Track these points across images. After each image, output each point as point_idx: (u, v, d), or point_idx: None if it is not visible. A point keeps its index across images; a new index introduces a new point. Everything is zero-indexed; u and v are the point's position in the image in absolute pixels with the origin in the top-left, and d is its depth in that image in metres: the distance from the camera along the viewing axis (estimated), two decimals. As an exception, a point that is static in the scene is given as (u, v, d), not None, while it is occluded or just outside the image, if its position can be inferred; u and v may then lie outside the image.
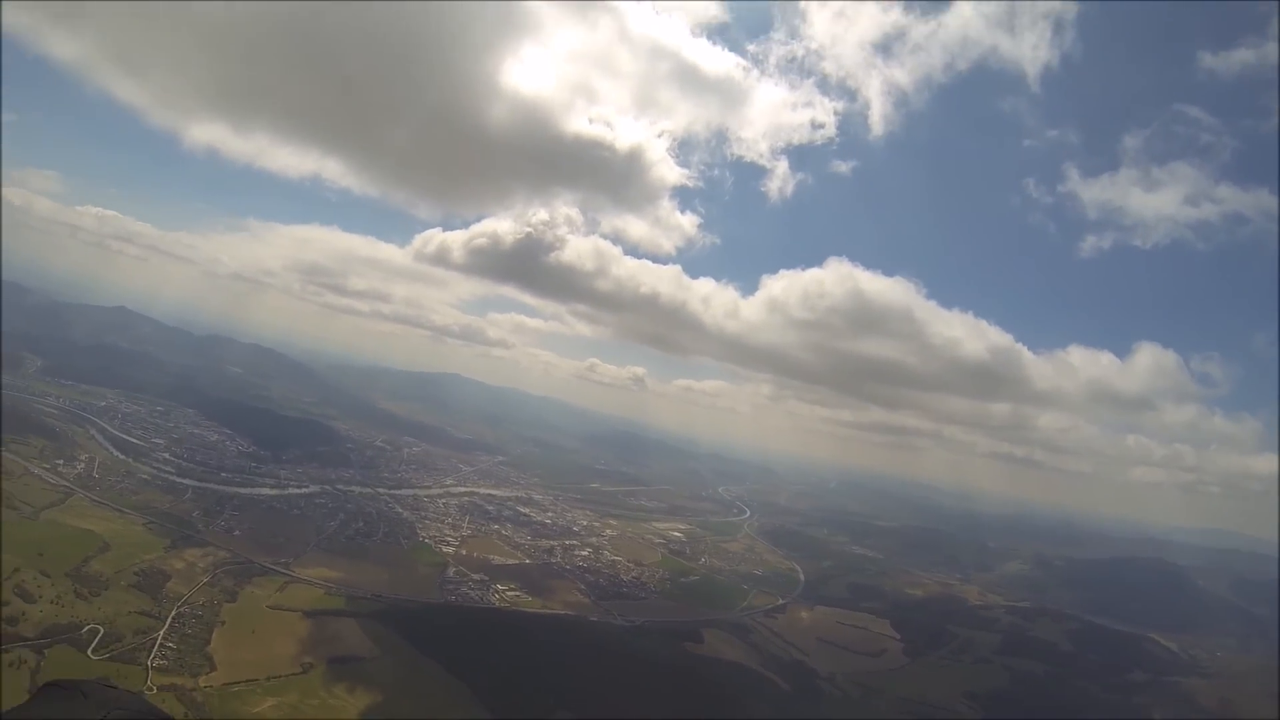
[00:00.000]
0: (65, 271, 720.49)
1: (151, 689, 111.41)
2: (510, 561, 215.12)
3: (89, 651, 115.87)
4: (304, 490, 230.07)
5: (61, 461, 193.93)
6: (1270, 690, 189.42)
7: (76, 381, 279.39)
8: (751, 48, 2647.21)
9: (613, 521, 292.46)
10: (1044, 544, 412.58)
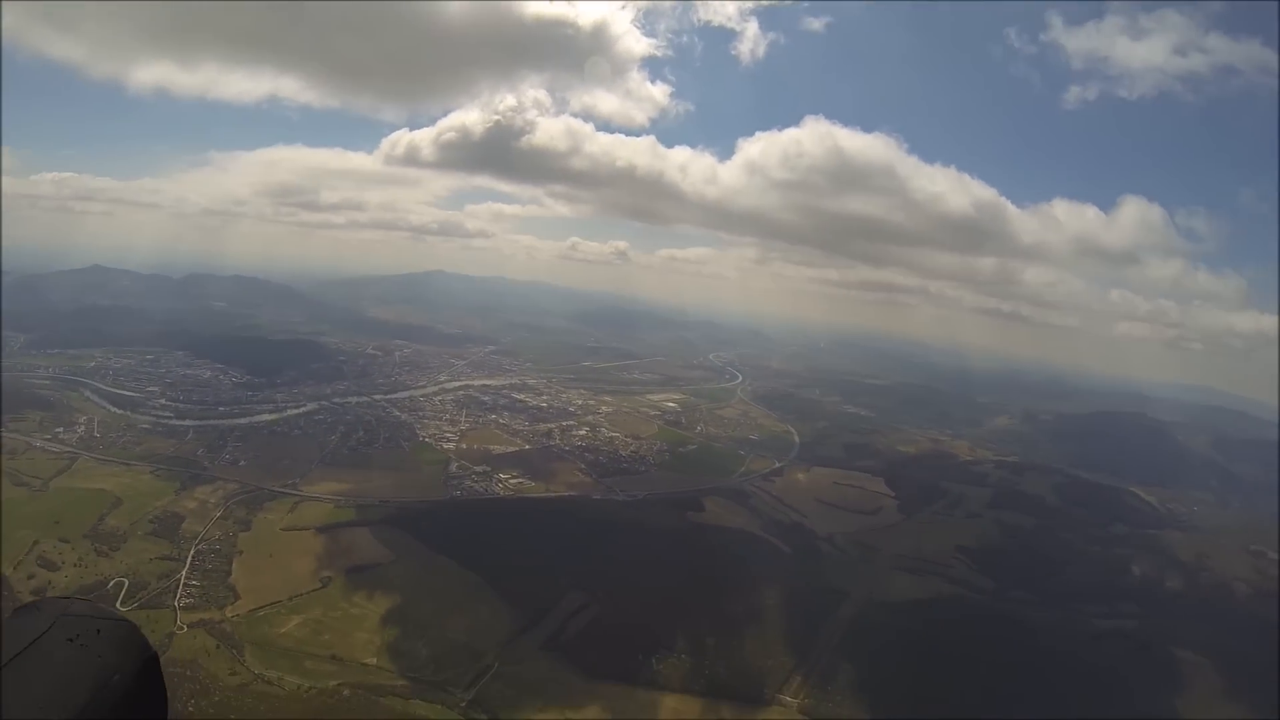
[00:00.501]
0: (33, 243, 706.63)
1: (181, 628, 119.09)
2: (510, 449, 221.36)
3: (117, 604, 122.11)
4: (302, 410, 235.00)
5: (61, 429, 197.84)
6: (1244, 544, 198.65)
7: (63, 348, 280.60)
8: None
9: (608, 398, 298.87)
10: (1031, 399, 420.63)
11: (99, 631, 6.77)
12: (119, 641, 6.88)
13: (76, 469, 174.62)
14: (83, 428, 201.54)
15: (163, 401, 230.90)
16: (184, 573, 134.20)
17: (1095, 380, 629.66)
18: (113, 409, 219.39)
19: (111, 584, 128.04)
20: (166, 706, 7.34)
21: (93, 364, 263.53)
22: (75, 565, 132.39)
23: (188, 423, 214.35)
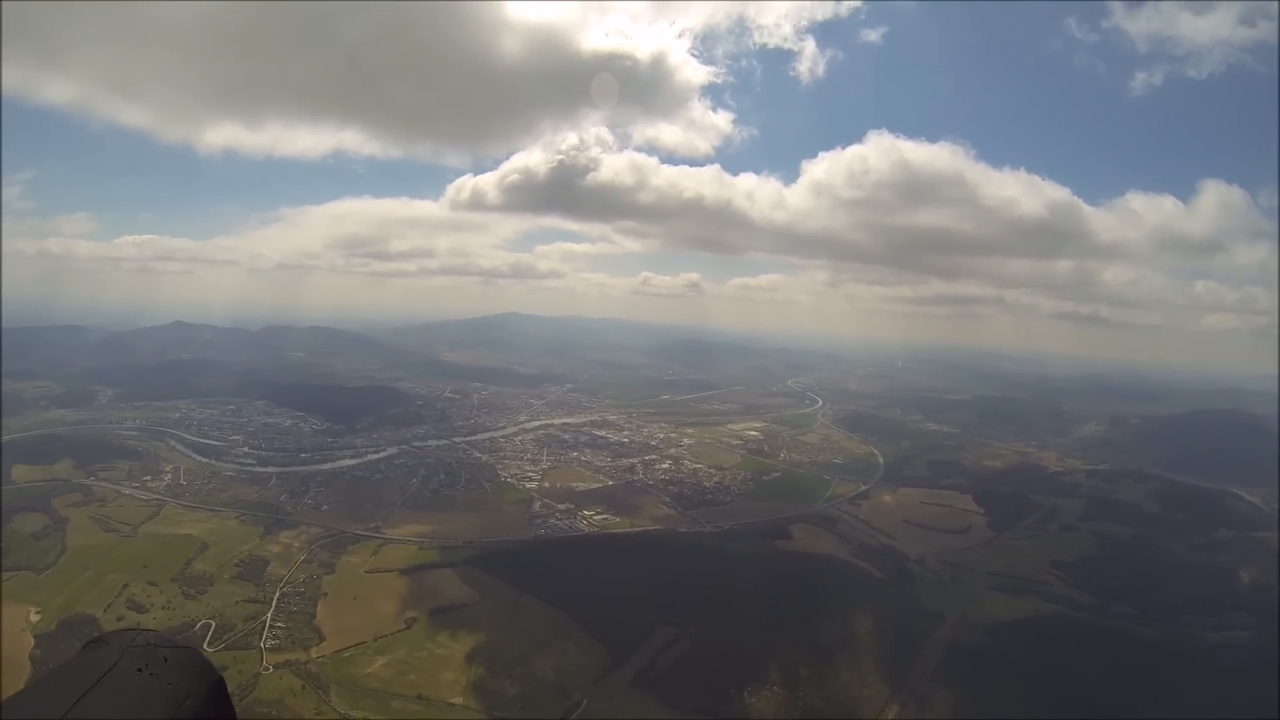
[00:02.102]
0: (117, 303, 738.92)
1: (267, 668, 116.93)
2: (593, 486, 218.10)
3: (205, 645, 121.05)
4: (382, 454, 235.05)
5: (149, 477, 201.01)
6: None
7: (149, 400, 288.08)
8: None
9: (689, 430, 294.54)
10: (1118, 403, 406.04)
11: (165, 660, 6.99)
12: (185, 667, 7.09)
13: (164, 515, 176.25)
14: (169, 476, 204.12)
15: (246, 449, 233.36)
16: (269, 615, 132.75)
17: (1185, 377, 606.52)
18: (198, 458, 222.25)
19: (199, 625, 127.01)
20: None
21: (178, 415, 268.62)
22: (164, 608, 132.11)
23: (270, 469, 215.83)
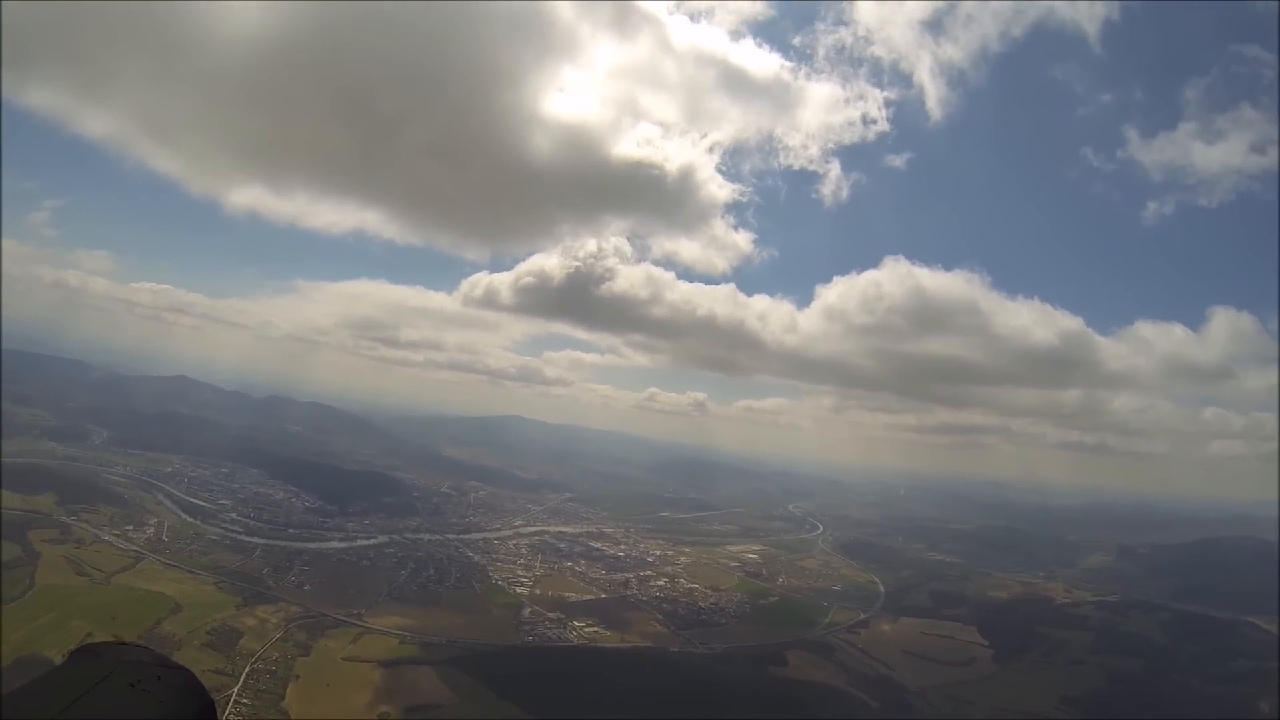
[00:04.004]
0: (125, 346, 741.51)
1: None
2: (586, 597, 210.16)
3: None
4: (372, 541, 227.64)
5: (131, 527, 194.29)
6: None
7: (142, 450, 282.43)
8: (797, 40, 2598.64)
9: (686, 549, 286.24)
10: (1125, 532, 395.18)
11: (159, 678, 6.86)
12: (178, 688, 6.96)
13: (141, 568, 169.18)
14: (152, 529, 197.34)
15: (233, 515, 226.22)
16: (236, 689, 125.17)
17: (1191, 505, 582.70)
18: (184, 515, 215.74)
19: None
20: None
21: (169, 469, 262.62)
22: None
23: (256, 540, 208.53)
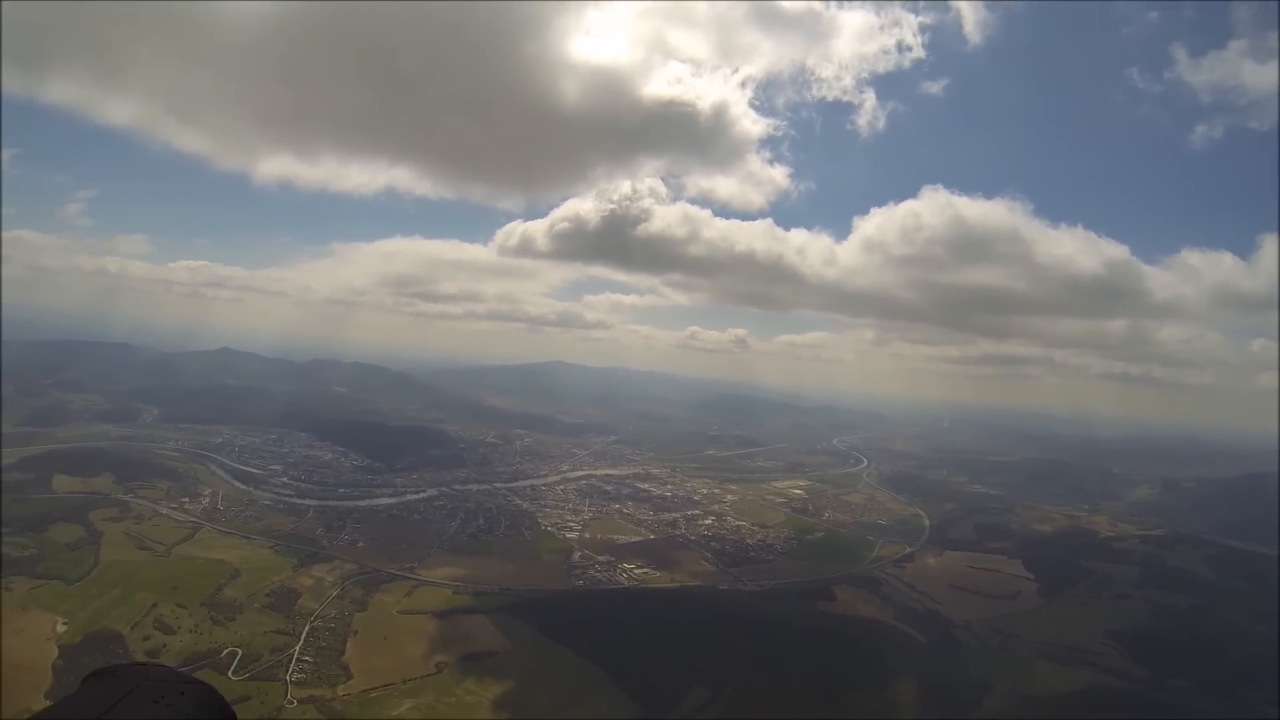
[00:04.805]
0: (168, 325, 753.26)
1: (292, 702, 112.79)
2: (634, 539, 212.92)
3: (229, 674, 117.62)
4: (421, 495, 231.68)
5: (187, 499, 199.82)
6: None
7: (192, 423, 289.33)
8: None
9: (732, 486, 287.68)
10: (1170, 465, 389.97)
11: (182, 693, 6.95)
12: (200, 701, 7.03)
13: (199, 539, 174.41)
14: (207, 500, 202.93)
15: (285, 480, 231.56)
16: (298, 648, 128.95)
17: (1238, 439, 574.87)
18: (237, 484, 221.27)
19: (225, 653, 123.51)
20: None
21: (220, 440, 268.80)
22: (191, 631, 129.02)
23: (308, 502, 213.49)
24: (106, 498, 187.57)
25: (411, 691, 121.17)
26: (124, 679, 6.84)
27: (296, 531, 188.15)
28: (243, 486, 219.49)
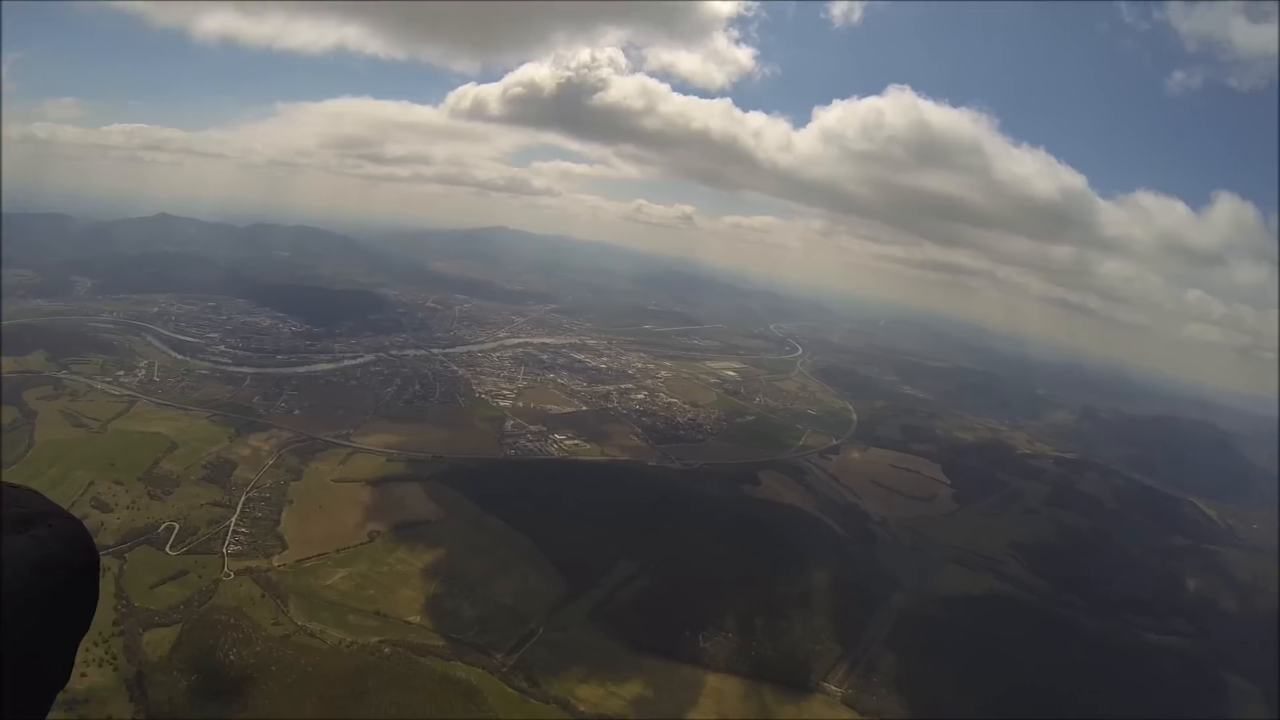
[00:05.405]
0: (102, 192, 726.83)
1: (229, 574, 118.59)
2: (567, 410, 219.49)
3: (166, 548, 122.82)
4: (359, 360, 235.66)
5: (122, 372, 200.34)
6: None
7: (128, 293, 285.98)
8: None
9: (667, 363, 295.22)
10: (1093, 395, 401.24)
11: (50, 526, 6.78)
12: (67, 539, 6.83)
13: (135, 412, 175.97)
14: (143, 372, 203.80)
15: (222, 348, 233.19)
16: (234, 519, 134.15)
17: (1160, 381, 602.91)
18: (173, 354, 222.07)
19: (162, 527, 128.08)
20: (94, 612, 7.17)
21: (156, 309, 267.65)
22: (128, 508, 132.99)
23: (245, 370, 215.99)
24: (40, 375, 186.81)
25: (345, 561, 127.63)
26: None
27: (234, 400, 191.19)
28: (179, 356, 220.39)
